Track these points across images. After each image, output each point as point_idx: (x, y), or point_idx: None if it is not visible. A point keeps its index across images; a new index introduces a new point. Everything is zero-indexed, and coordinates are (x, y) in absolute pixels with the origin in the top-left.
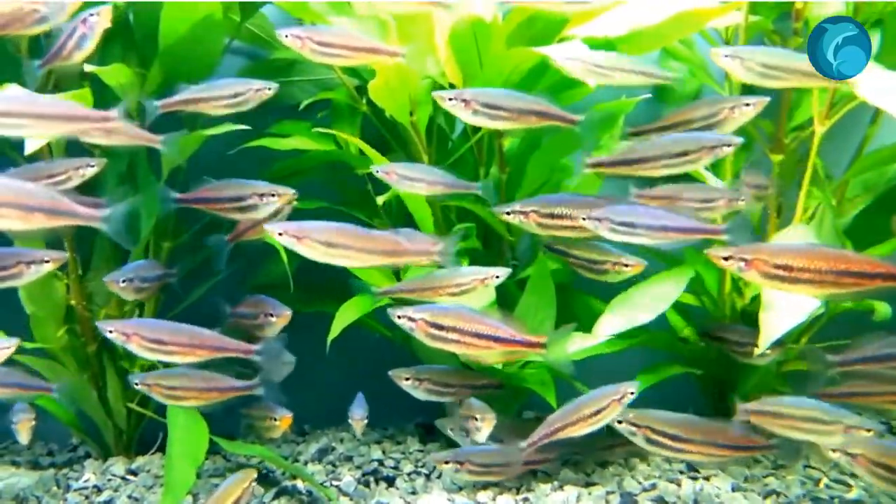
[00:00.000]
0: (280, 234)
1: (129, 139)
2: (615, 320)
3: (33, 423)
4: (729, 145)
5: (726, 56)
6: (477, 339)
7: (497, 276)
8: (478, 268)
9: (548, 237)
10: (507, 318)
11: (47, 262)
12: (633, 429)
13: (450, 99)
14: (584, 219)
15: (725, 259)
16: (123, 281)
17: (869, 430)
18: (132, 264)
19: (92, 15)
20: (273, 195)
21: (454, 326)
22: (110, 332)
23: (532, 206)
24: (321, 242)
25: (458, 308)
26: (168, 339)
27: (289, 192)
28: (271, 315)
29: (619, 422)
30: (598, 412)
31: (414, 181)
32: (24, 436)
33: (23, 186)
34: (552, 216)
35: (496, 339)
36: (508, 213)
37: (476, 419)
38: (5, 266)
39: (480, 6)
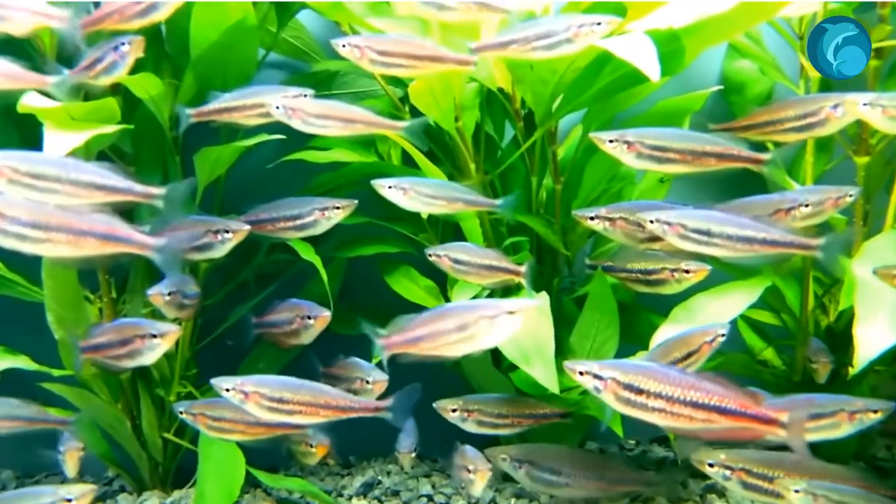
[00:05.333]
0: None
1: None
2: (674, 332)
3: (81, 453)
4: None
5: (865, 104)
6: (693, 409)
7: (511, 312)
8: (485, 300)
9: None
10: (725, 381)
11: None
12: (727, 472)
13: (610, 141)
14: (651, 222)
15: None
16: (169, 294)
17: (876, 412)
18: (173, 278)
19: (123, 44)
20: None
21: (659, 392)
22: (227, 390)
23: (620, 211)
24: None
25: (663, 367)
26: (291, 397)
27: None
28: (309, 317)
29: (711, 465)
30: (689, 356)
31: (434, 199)
32: (71, 467)
33: (72, 209)
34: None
35: (721, 412)
36: (592, 219)
37: (468, 471)
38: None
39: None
